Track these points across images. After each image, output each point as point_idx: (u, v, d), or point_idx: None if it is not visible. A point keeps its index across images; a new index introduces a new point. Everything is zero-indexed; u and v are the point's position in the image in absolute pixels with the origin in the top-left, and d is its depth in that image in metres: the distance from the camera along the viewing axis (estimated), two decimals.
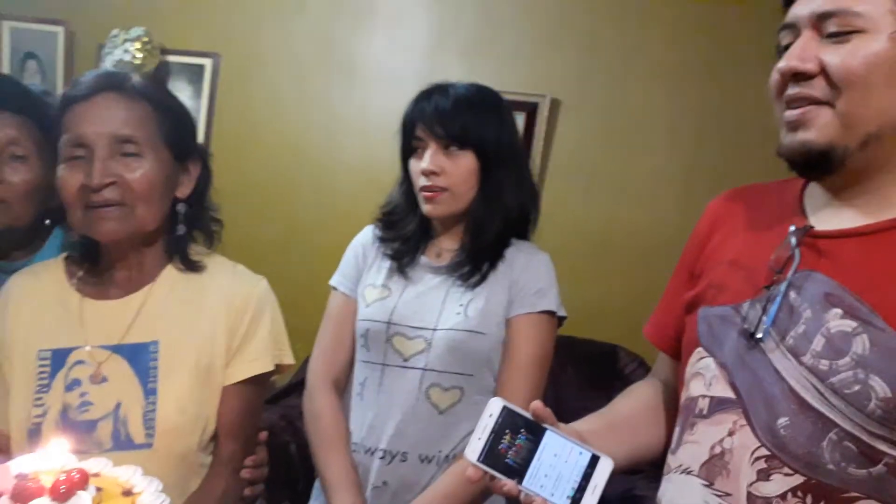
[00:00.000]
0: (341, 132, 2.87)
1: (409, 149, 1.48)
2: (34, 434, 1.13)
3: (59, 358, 1.16)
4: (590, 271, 2.66)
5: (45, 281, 1.22)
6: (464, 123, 1.42)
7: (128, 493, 0.89)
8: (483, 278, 1.45)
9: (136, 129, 1.13)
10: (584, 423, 1.08)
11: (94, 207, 1.12)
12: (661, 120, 2.64)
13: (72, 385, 1.15)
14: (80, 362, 1.16)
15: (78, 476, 0.84)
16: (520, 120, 2.61)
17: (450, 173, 1.42)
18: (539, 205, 1.54)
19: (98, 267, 1.22)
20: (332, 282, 1.57)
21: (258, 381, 1.24)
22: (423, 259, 1.51)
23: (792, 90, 0.89)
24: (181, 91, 2.95)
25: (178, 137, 1.20)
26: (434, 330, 1.42)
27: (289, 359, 1.29)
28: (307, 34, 2.90)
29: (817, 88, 0.87)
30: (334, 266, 1.59)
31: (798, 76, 0.88)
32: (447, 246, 1.51)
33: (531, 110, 2.65)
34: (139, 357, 1.16)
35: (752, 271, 0.96)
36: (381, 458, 1.42)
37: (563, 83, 2.69)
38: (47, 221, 1.34)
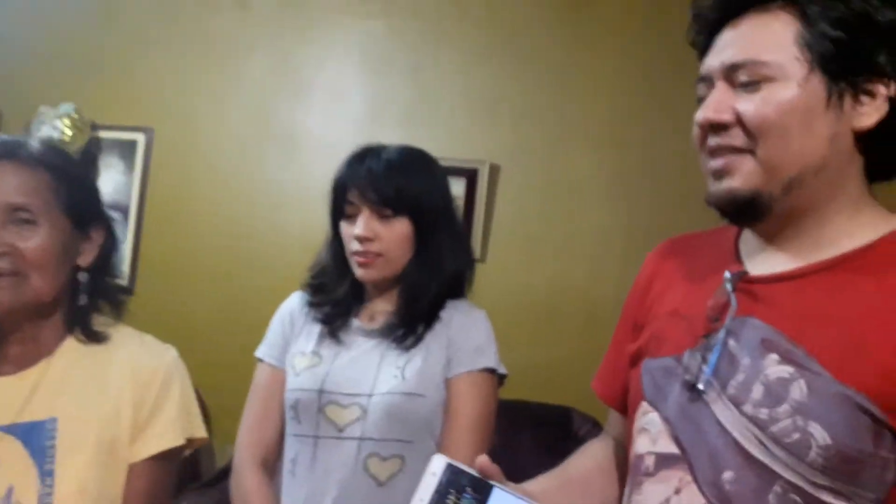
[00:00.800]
0: (280, 204, 2.85)
1: (340, 211, 1.45)
2: None
3: None
4: (538, 334, 2.64)
5: None
6: (397, 187, 1.39)
7: None
8: (419, 339, 1.40)
9: (31, 196, 1.09)
10: (535, 484, 1.03)
11: None
12: (598, 182, 2.68)
13: None
14: None
15: None
16: (460, 186, 2.64)
17: (384, 239, 1.39)
18: (474, 262, 1.52)
19: None
20: (258, 353, 1.50)
21: (168, 456, 1.16)
22: (356, 322, 1.46)
23: (712, 141, 0.90)
24: (113, 166, 2.92)
25: (78, 205, 1.15)
26: (370, 395, 1.36)
27: (200, 432, 1.22)
28: (243, 107, 2.90)
29: (736, 137, 0.88)
30: None
31: (716, 127, 0.89)
32: (381, 308, 1.46)
33: (471, 176, 2.67)
34: (34, 436, 1.08)
35: (691, 320, 0.94)
36: None
37: (501, 149, 2.72)
38: None
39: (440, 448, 1.36)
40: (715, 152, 0.90)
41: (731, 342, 0.88)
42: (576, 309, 2.65)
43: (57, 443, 1.09)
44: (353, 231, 1.40)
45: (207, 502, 2.17)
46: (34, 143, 1.15)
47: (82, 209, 1.16)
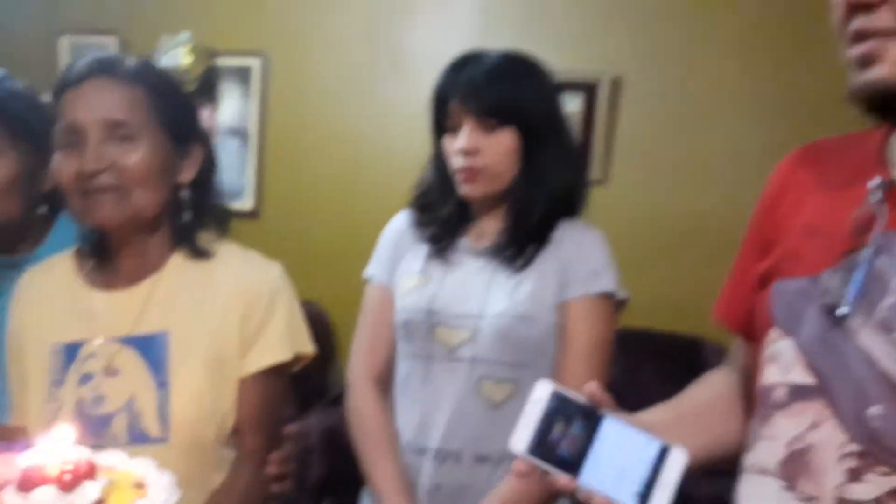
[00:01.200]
0: (393, 123, 2.84)
1: (442, 124, 1.38)
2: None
3: (70, 352, 1.14)
4: (666, 260, 2.54)
5: (56, 275, 1.20)
6: (501, 96, 1.31)
7: (139, 485, 0.86)
8: (529, 260, 1.34)
9: (129, 113, 1.11)
10: (651, 414, 0.97)
11: (91, 194, 1.10)
12: (735, 94, 2.50)
13: (85, 379, 1.12)
14: (92, 356, 1.13)
15: (86, 466, 0.82)
16: (578, 101, 2.52)
17: (488, 152, 1.32)
18: (585, 180, 1.43)
19: (106, 257, 1.19)
20: (367, 273, 1.49)
21: (277, 371, 1.19)
22: (464, 242, 1.41)
23: (855, 23, 0.76)
24: (231, 92, 2.99)
25: (176, 121, 1.16)
26: (480, 317, 1.32)
27: (308, 348, 1.23)
28: (353, 26, 2.88)
29: (884, 18, 0.74)
30: None
31: (859, 6, 0.75)
32: (489, 227, 1.40)
33: (590, 91, 2.54)
34: (150, 348, 1.13)
35: (830, 236, 0.83)
36: (434, 458, 1.33)
37: (624, 59, 2.58)
38: (42, 209, 1.32)
39: (555, 375, 1.32)
40: (858, 37, 0.76)
41: (880, 260, 0.77)
42: (708, 232, 2.52)
43: (170, 355, 1.13)
44: (455, 145, 1.34)
45: (333, 419, 2.24)
46: (130, 60, 1.15)
47: (180, 125, 1.17)
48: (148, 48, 2.92)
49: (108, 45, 3.02)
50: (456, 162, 1.35)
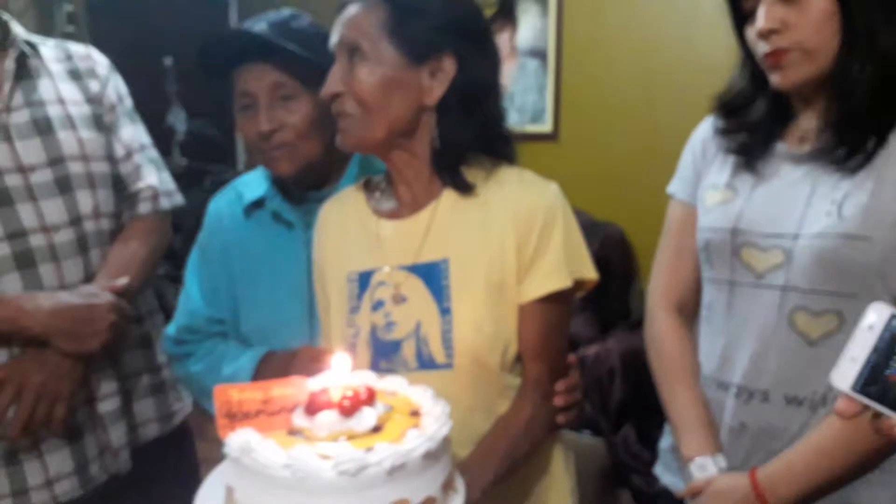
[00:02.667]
0: (696, 22, 2.58)
1: (740, 12, 1.17)
2: (350, 353, 1.15)
3: (364, 279, 1.18)
4: None
5: (349, 206, 1.24)
6: None
7: (415, 413, 0.87)
8: (868, 159, 1.09)
9: (363, 33, 1.08)
10: None
11: (338, 117, 1.11)
12: None
13: (377, 305, 1.16)
14: (381, 283, 1.16)
15: (366, 393, 0.85)
16: None
17: (795, 25, 1.09)
18: None
19: (390, 187, 1.21)
20: (670, 189, 1.36)
21: (558, 298, 1.12)
22: (781, 147, 1.20)
23: None
24: (529, 12, 2.93)
25: (411, 36, 1.08)
26: (795, 237, 1.12)
27: (590, 273, 1.15)
28: None
29: None
30: None
31: None
32: (813, 125, 1.17)
33: None
34: (432, 276, 1.13)
35: None
36: (737, 395, 1.20)
37: None
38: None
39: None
40: None
41: None
42: None
43: (451, 282, 1.12)
44: (755, 29, 1.13)
45: (634, 342, 2.18)
46: None
47: (416, 40, 1.08)
48: None
49: None
50: (760, 49, 1.14)
